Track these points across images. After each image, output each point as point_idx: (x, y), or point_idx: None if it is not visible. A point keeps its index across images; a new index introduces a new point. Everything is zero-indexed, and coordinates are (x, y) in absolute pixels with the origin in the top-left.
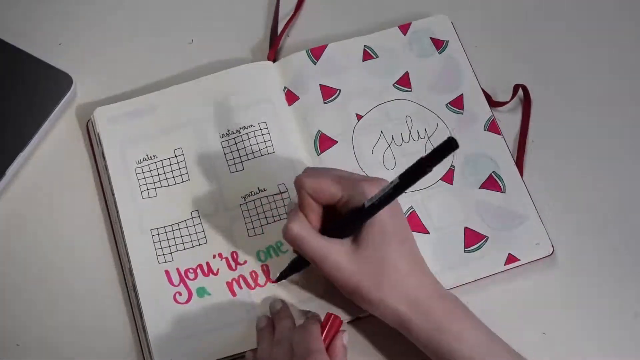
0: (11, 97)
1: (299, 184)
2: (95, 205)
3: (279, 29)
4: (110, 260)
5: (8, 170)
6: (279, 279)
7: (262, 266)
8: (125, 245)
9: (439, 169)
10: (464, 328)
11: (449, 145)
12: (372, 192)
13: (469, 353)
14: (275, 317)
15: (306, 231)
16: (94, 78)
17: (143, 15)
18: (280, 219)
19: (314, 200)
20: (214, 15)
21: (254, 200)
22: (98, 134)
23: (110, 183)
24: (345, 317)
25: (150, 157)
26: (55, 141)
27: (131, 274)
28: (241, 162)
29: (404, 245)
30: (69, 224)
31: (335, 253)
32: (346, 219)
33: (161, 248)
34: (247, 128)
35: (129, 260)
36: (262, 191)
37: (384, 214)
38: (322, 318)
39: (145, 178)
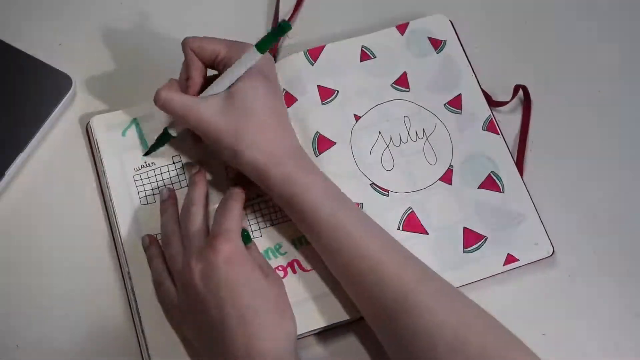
0: (11, 97)
1: (184, 42)
2: (95, 206)
3: None
4: (111, 262)
5: (8, 170)
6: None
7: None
8: (124, 250)
9: (438, 169)
10: (313, 180)
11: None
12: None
13: (315, 201)
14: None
15: (173, 93)
16: (93, 79)
17: (143, 15)
18: (279, 222)
19: (198, 58)
20: (213, 15)
21: (252, 205)
22: (97, 142)
23: (108, 189)
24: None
25: (149, 164)
26: (55, 142)
27: (130, 279)
28: None
29: (271, 102)
30: (68, 225)
31: (199, 107)
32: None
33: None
34: None
35: (127, 265)
36: (259, 196)
37: (259, 76)
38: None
39: (143, 185)
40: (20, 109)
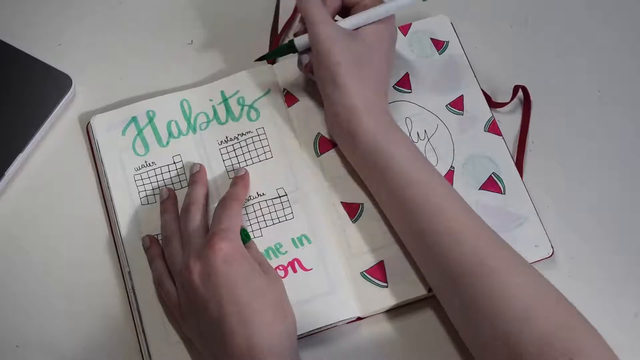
0: (11, 97)
1: None
2: (95, 206)
3: (279, 30)
4: (111, 262)
5: (8, 170)
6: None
7: None
8: (124, 250)
9: (440, 170)
10: (399, 142)
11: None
12: None
13: (403, 163)
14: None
15: (317, 2)
16: (93, 79)
17: (143, 16)
18: (279, 222)
19: None
20: (213, 16)
21: (252, 205)
22: (97, 141)
23: (109, 189)
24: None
25: (149, 164)
26: (54, 142)
27: (130, 278)
28: (240, 168)
29: (389, 58)
30: (68, 225)
31: (331, 27)
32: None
33: None
34: (244, 134)
35: (128, 264)
36: (261, 195)
37: (387, 27)
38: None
39: (144, 185)
40: (20, 109)
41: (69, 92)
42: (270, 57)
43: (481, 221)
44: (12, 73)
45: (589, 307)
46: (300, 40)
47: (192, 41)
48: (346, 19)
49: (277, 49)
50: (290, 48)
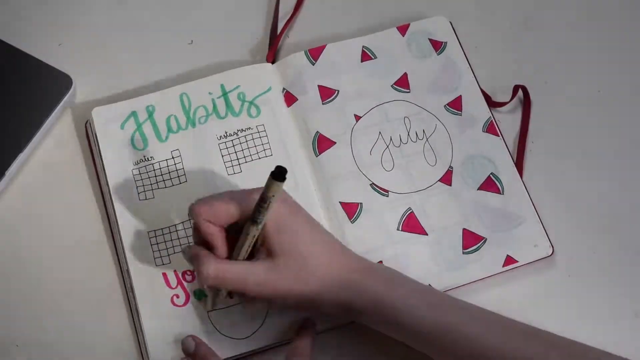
0: (11, 97)
1: (195, 212)
2: (94, 206)
3: (279, 30)
4: (110, 261)
5: (8, 170)
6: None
7: None
8: (123, 248)
9: (438, 170)
10: (404, 293)
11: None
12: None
13: (415, 314)
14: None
15: (221, 267)
16: (93, 79)
17: (143, 16)
18: None
19: (213, 224)
20: (213, 16)
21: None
22: (95, 135)
23: (107, 185)
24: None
25: (148, 158)
26: (54, 142)
27: (129, 276)
28: (239, 164)
29: (315, 235)
30: (68, 225)
31: (253, 273)
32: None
33: (158, 250)
34: (244, 130)
35: (126, 262)
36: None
37: (283, 215)
38: None
39: (142, 180)
40: (20, 109)
41: (69, 92)
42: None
43: (522, 334)
44: (12, 73)
45: (588, 307)
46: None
47: (192, 41)
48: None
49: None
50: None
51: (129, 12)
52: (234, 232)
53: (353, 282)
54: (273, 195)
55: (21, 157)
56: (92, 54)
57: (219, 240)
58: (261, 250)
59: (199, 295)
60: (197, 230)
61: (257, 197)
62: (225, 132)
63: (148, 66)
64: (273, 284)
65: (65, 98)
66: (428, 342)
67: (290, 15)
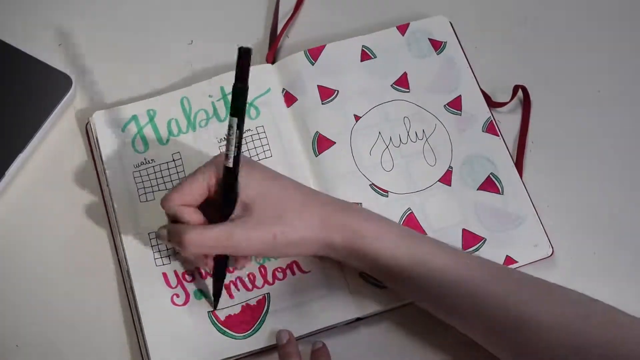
0: (11, 97)
1: (167, 202)
2: (95, 206)
3: (278, 30)
4: (110, 262)
5: (8, 171)
6: (216, 305)
7: (259, 268)
8: (123, 248)
9: (438, 170)
10: (382, 226)
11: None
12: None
13: (391, 247)
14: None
15: (202, 231)
16: (93, 79)
17: (143, 15)
18: None
19: (189, 206)
20: (213, 16)
21: None
22: (96, 138)
23: (108, 186)
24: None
25: (149, 161)
26: (54, 142)
27: (129, 277)
28: None
29: (285, 182)
30: (68, 224)
31: (235, 229)
32: (224, 192)
33: (159, 251)
34: (244, 132)
35: (127, 263)
36: None
37: (255, 175)
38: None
39: (143, 182)
40: (20, 109)
41: (69, 92)
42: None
43: (493, 268)
44: (12, 73)
45: None
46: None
47: (192, 41)
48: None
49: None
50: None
51: (129, 12)
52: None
53: (332, 219)
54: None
55: (21, 157)
56: (92, 54)
57: (197, 218)
58: (237, 211)
59: (200, 295)
60: (177, 217)
61: (222, 157)
62: (225, 135)
63: (148, 66)
64: (257, 235)
65: (65, 98)
66: (404, 277)
67: (290, 15)
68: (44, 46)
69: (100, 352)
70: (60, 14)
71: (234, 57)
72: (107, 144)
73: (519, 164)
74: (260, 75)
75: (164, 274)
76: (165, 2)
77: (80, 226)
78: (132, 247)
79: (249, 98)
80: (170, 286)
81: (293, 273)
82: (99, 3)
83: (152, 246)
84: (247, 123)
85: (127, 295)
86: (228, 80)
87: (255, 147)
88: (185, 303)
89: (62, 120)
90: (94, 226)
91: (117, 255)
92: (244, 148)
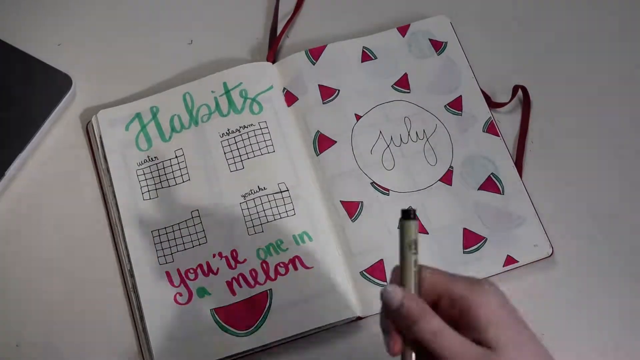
0: (11, 97)
1: (411, 315)
2: (95, 206)
3: (279, 30)
4: (111, 261)
5: (7, 171)
6: None
7: (261, 264)
8: (126, 247)
9: (439, 170)
10: None
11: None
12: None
13: None
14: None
15: (444, 330)
16: (93, 79)
17: (142, 15)
18: (281, 217)
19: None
20: (213, 16)
21: (254, 199)
22: (99, 137)
23: (111, 185)
24: None
25: (152, 158)
26: (54, 142)
27: (132, 275)
28: (241, 161)
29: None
30: (68, 224)
31: (468, 350)
32: None
33: (162, 249)
34: (247, 127)
35: (129, 262)
36: (262, 190)
37: (510, 314)
38: None
39: (146, 180)
40: (20, 109)
41: (69, 92)
42: None
43: None
44: (12, 73)
45: (588, 306)
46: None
47: (192, 41)
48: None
49: None
50: None
51: (129, 12)
52: None
53: None
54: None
55: (21, 157)
56: (92, 54)
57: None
58: (471, 331)
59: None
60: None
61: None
62: (228, 130)
63: (148, 66)
64: None
65: (65, 98)
66: None
67: (290, 15)
68: (44, 46)
69: (101, 351)
70: (60, 13)
71: (233, 57)
72: (110, 143)
73: (518, 164)
74: (262, 72)
75: (167, 273)
76: (165, 1)
77: (81, 226)
78: (135, 246)
79: (252, 93)
80: (173, 285)
81: (295, 268)
82: (99, 3)
83: (154, 244)
84: (251, 118)
85: (129, 294)
86: (230, 76)
87: (257, 142)
88: (188, 301)
89: (62, 120)
90: (95, 226)
91: (119, 254)
92: (246, 143)
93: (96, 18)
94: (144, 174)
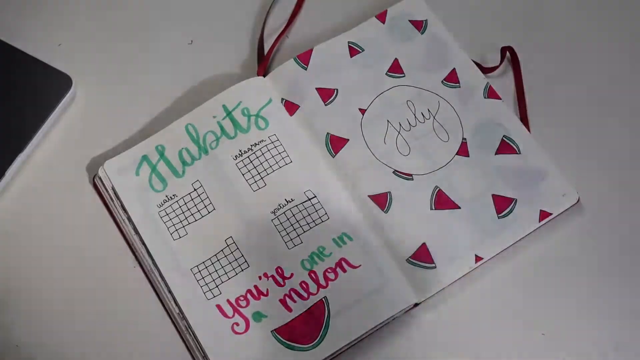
0: (10, 98)
1: None
2: (94, 205)
3: (268, 45)
4: (111, 258)
5: (8, 170)
6: None
7: (309, 274)
8: (170, 291)
9: (453, 144)
10: None
11: None
12: None
13: None
14: None
15: None
16: (93, 79)
17: (143, 15)
18: (316, 224)
19: None
20: (213, 16)
21: (284, 213)
22: (113, 188)
23: (138, 234)
24: None
25: (170, 197)
26: (54, 142)
27: (182, 318)
28: (261, 178)
29: None
30: (68, 225)
31: None
32: None
33: (206, 284)
34: (258, 144)
35: (177, 305)
36: (290, 202)
37: None
38: None
39: (171, 219)
40: (20, 109)
41: (69, 93)
42: None
43: None
44: (12, 73)
45: (589, 307)
46: None
47: (192, 41)
48: None
49: None
50: None
51: (128, 12)
52: None
53: None
54: None
55: (21, 157)
56: (92, 54)
57: None
58: None
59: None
60: None
61: None
62: (240, 151)
63: (148, 65)
64: None
65: (65, 98)
66: None
67: (284, 26)
68: (44, 46)
69: (101, 352)
70: (60, 13)
71: (234, 57)
72: (125, 191)
73: (524, 121)
74: (258, 87)
75: (218, 306)
76: (165, 1)
77: (81, 226)
78: (179, 288)
79: (254, 110)
80: (227, 316)
81: (344, 270)
82: (99, 3)
83: (197, 281)
84: (259, 134)
85: (183, 336)
86: (228, 97)
87: (273, 156)
88: (246, 329)
89: (62, 120)
90: (95, 226)
91: (160, 298)
92: (261, 159)
93: (97, 18)
94: (167, 214)
